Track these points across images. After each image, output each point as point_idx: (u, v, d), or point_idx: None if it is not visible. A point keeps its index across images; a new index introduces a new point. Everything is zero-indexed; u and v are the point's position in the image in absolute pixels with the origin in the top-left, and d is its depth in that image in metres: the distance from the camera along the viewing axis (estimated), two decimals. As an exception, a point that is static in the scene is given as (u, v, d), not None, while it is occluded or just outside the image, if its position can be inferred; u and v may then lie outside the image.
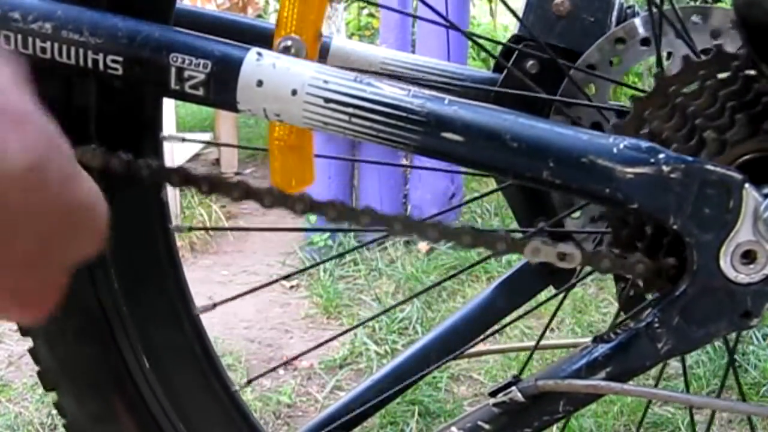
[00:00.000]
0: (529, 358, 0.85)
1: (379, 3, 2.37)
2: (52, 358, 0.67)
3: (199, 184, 0.56)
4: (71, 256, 0.29)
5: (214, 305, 0.72)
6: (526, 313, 0.89)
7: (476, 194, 2.91)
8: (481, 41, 0.88)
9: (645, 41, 0.70)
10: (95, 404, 0.70)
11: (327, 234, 2.52)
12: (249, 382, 0.84)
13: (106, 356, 0.68)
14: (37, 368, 0.69)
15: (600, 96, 0.72)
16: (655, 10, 0.66)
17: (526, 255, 0.56)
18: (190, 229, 0.73)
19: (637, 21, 0.70)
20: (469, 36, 0.80)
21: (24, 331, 0.67)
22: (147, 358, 0.68)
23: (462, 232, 0.56)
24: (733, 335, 0.85)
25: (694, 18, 0.68)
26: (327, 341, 0.90)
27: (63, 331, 0.66)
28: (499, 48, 0.77)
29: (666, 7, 0.67)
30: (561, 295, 0.80)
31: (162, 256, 0.68)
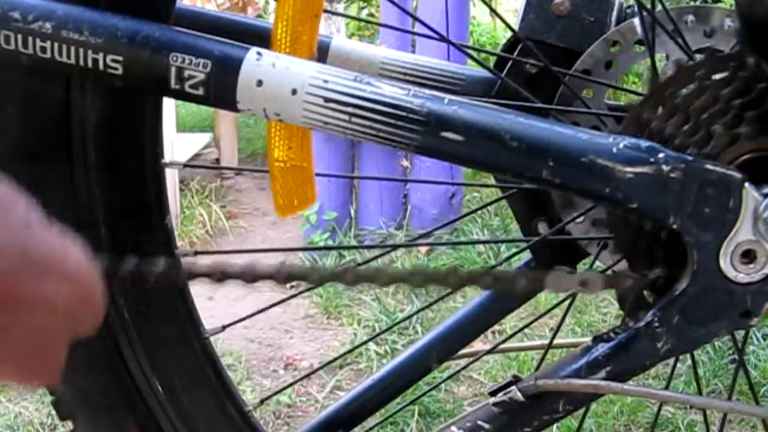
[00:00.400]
0: (543, 357, 0.84)
1: (380, 12, 2.37)
2: (67, 389, 0.68)
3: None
4: (54, 321, 0.28)
5: (223, 327, 0.73)
6: (535, 320, 0.90)
7: (476, 195, 2.91)
8: (481, 49, 0.86)
9: (642, 42, 0.70)
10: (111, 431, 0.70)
11: (327, 234, 2.53)
12: (262, 402, 0.84)
13: (119, 384, 0.68)
14: (51, 398, 0.69)
15: (597, 99, 0.72)
16: (648, 14, 0.66)
17: (549, 288, 0.56)
18: (196, 253, 0.73)
19: (636, 21, 0.70)
20: (462, 49, 0.79)
21: None
22: (160, 383, 0.69)
23: (484, 273, 0.56)
24: (741, 336, 0.85)
25: (688, 17, 0.68)
26: (350, 351, 0.90)
27: (76, 361, 0.67)
28: (500, 52, 0.77)
29: (658, 8, 0.67)
30: (559, 296, 0.80)
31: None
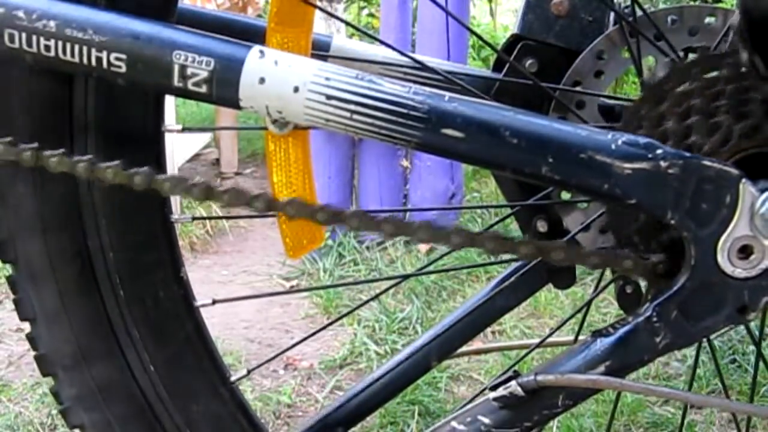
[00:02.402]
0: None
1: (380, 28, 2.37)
2: None
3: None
4: None
5: (249, 371, 0.74)
6: (559, 326, 0.90)
7: (476, 194, 2.91)
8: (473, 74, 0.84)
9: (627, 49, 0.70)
10: None
11: (327, 234, 2.53)
12: None
13: None
14: None
15: (590, 109, 0.72)
16: (633, 18, 0.67)
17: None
18: (215, 302, 0.75)
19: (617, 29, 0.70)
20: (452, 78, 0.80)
21: (72, 426, 0.70)
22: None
23: (591, 254, 0.57)
24: (755, 333, 0.85)
25: (671, 17, 0.69)
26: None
27: (109, 420, 0.69)
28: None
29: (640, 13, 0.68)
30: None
31: (190, 333, 0.70)
